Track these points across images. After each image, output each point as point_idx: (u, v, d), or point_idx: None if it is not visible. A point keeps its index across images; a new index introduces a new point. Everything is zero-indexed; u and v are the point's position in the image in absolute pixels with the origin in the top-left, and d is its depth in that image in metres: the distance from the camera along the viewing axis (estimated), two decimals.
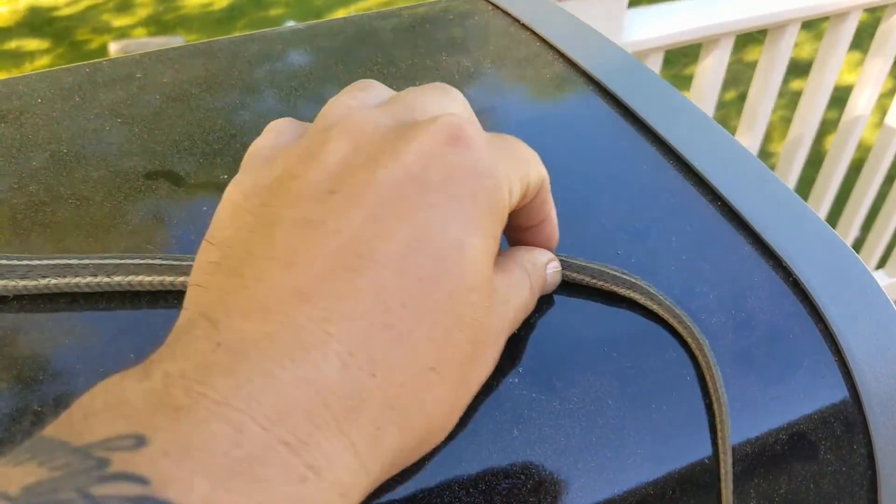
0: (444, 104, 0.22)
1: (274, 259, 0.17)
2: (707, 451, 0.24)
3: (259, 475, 0.14)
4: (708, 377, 0.24)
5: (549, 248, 0.25)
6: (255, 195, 0.19)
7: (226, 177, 0.30)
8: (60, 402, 0.22)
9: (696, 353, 0.25)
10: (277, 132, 0.22)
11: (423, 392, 0.17)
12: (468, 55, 0.40)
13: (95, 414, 0.14)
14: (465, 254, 0.18)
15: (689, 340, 0.25)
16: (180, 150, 0.32)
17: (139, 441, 0.13)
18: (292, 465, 0.14)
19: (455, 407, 0.19)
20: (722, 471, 0.23)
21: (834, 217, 1.26)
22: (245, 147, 0.32)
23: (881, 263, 1.34)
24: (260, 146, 0.22)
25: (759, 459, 0.24)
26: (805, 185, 1.20)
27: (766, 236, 0.29)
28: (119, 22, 2.72)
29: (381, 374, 0.16)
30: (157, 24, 2.71)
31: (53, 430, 0.14)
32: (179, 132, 0.33)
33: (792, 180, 1.13)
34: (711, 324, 0.26)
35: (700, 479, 0.23)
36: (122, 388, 0.15)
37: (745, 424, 0.25)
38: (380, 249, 0.17)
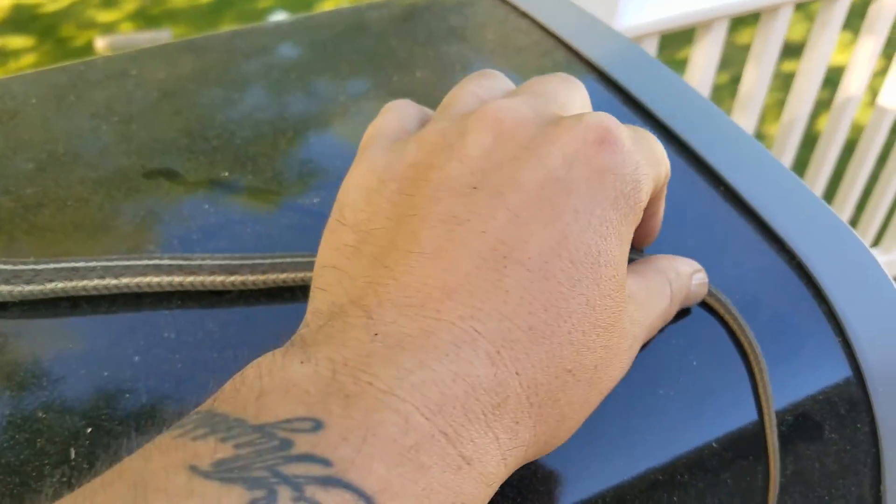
0: (572, 95, 0.22)
1: (421, 254, 0.17)
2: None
3: (423, 462, 0.14)
4: (746, 344, 0.25)
5: (647, 243, 0.25)
6: (392, 181, 0.19)
7: (226, 174, 0.30)
8: (66, 408, 0.22)
9: (729, 320, 0.25)
10: (400, 114, 0.22)
11: (558, 392, 0.17)
12: (466, 44, 0.39)
13: (266, 394, 0.15)
14: (601, 260, 0.18)
15: (724, 313, 0.25)
16: (179, 147, 0.32)
17: (317, 424, 0.14)
18: (450, 455, 0.15)
19: (585, 407, 0.19)
20: (769, 435, 0.24)
21: (829, 197, 1.26)
22: (246, 143, 0.32)
23: (875, 242, 1.34)
24: (383, 127, 0.22)
25: (765, 440, 0.24)
26: (800, 166, 1.20)
27: (769, 220, 0.29)
28: (104, 17, 2.69)
29: (523, 373, 0.17)
30: (143, 19, 2.69)
31: (225, 406, 0.15)
32: (178, 129, 0.33)
33: (787, 162, 1.13)
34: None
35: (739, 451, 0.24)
36: (287, 370, 0.15)
37: (751, 406, 0.25)
38: (524, 252, 0.17)
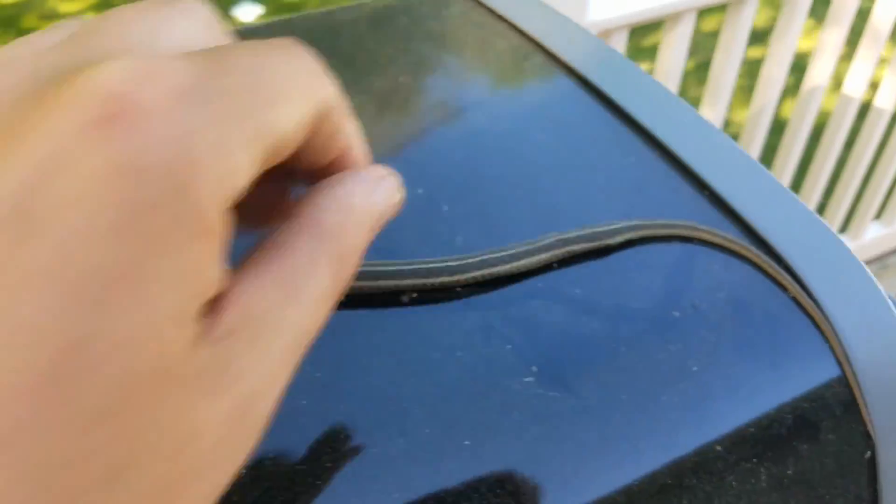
0: (176, 25, 0.14)
1: None
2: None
3: None
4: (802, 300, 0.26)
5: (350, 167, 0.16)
6: None
7: None
8: None
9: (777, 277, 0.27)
10: None
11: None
12: (432, 43, 0.39)
13: None
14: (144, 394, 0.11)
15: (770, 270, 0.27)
16: None
17: None
18: None
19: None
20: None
21: (797, 182, 1.29)
22: None
23: (843, 228, 1.37)
24: None
25: (766, 443, 0.25)
26: (768, 152, 1.22)
27: (756, 224, 0.29)
28: (67, 7, 2.61)
29: None
30: (107, 8, 2.61)
31: None
32: None
33: (756, 148, 1.15)
34: (710, 313, 0.27)
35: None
36: None
37: (749, 409, 0.25)
38: None
